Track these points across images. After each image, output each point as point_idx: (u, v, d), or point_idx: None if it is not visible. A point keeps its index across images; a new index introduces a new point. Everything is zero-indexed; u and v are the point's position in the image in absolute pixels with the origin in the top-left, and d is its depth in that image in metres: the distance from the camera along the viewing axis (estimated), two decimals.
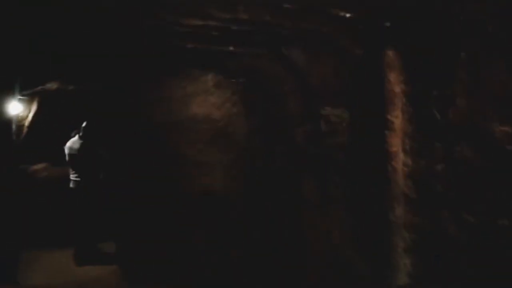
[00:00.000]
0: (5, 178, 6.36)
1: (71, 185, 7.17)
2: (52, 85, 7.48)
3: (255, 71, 5.41)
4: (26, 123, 8.07)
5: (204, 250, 5.89)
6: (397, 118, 3.76)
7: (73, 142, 7.13)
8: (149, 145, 5.89)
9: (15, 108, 7.84)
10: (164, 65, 5.57)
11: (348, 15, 3.45)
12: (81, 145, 7.01)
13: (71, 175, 7.16)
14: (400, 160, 3.77)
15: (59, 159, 8.31)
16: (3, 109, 6.59)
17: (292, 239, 5.24)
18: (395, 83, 3.75)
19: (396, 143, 3.77)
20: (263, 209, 5.75)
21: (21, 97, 7.79)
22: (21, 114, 8.00)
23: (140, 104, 5.85)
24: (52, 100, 8.12)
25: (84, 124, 6.99)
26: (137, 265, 6.24)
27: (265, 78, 5.39)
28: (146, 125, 5.83)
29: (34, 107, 8.11)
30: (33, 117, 8.12)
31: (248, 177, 6.03)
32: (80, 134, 7.04)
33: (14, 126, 7.90)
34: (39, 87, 7.36)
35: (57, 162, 8.32)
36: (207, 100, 5.97)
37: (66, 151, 7.15)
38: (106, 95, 6.96)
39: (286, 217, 5.37)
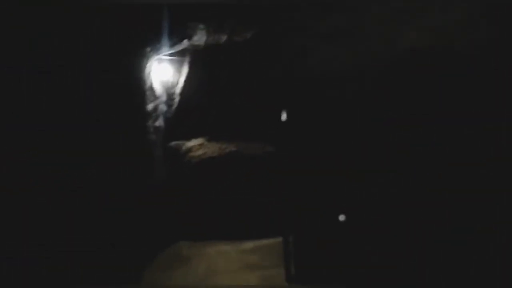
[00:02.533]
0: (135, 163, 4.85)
1: None
2: (200, 38, 5.71)
3: None
4: (178, 90, 6.60)
5: None
6: None
7: None
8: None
9: (164, 71, 6.44)
10: None
11: None
12: None
13: None
14: None
15: (218, 133, 6.73)
16: (136, 72, 5.11)
17: None
18: None
19: None
20: None
21: (169, 57, 6.31)
22: (171, 80, 6.56)
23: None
24: (204, 59, 6.43)
25: None
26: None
27: None
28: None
29: (185, 70, 6.58)
30: (185, 82, 6.59)
31: None
32: None
33: (164, 95, 6.52)
34: (186, 42, 5.66)
35: (215, 137, 6.72)
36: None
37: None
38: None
39: None
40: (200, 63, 6.54)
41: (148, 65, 5.74)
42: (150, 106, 5.92)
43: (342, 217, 4.30)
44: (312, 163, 4.28)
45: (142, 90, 5.52)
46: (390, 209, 3.85)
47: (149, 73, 5.89)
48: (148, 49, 5.34)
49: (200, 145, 6.73)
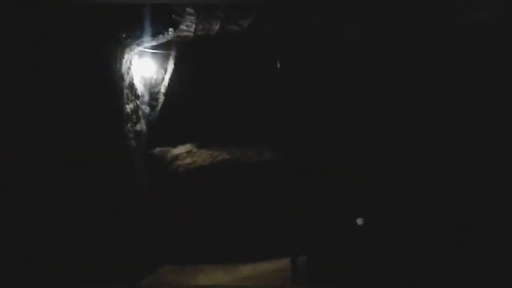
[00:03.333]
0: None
1: None
2: (188, 27, 4.84)
3: None
4: (162, 88, 5.72)
5: None
6: None
7: None
8: None
9: (146, 67, 5.55)
10: None
11: None
12: None
13: None
14: None
15: (208, 139, 5.87)
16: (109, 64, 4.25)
17: None
18: None
19: None
20: None
21: (151, 51, 5.43)
22: (155, 77, 5.68)
23: None
24: (193, 52, 5.56)
25: None
26: None
27: None
28: None
29: (170, 66, 5.70)
30: (171, 79, 5.71)
31: None
32: None
33: (147, 94, 5.63)
34: (171, 32, 4.79)
35: (205, 143, 5.85)
36: None
37: None
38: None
39: None
40: (188, 58, 5.67)
41: (126, 57, 4.86)
42: (129, 107, 5.02)
43: (360, 221, 4.09)
44: (312, 166, 4.22)
45: (119, 87, 4.62)
46: (390, 210, 3.80)
47: (128, 69, 5.01)
48: (124, 35, 4.46)
49: (188, 152, 5.84)
